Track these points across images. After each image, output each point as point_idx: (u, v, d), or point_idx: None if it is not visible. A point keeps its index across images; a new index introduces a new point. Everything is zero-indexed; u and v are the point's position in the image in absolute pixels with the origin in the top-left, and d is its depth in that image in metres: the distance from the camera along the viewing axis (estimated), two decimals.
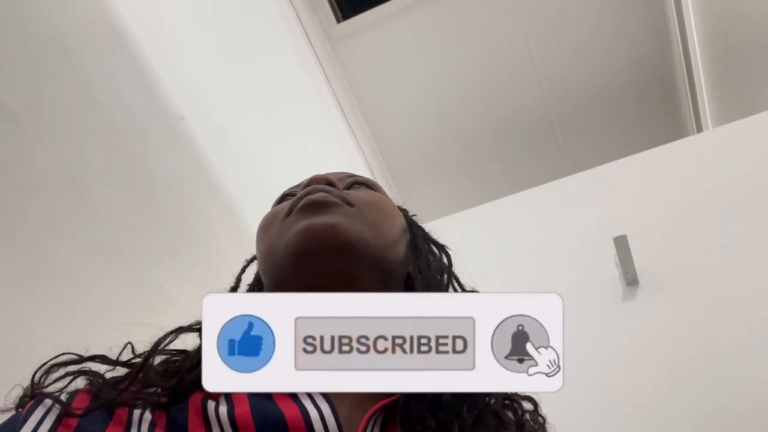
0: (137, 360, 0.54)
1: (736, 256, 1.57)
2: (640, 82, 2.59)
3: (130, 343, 0.55)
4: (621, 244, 1.59)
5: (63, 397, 0.48)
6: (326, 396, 0.48)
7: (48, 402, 0.47)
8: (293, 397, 0.49)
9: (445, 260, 0.69)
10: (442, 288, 0.65)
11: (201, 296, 0.64)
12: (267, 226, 0.61)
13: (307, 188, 0.59)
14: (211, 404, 0.48)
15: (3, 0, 1.07)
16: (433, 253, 0.69)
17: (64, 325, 0.97)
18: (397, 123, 2.79)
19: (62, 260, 1.07)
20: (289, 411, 0.47)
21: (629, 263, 1.60)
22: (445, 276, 0.67)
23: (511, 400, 0.60)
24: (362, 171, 2.74)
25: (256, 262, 0.69)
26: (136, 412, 0.47)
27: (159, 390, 0.49)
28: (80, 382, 0.51)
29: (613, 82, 2.59)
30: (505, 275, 1.88)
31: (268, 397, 0.49)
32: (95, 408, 0.46)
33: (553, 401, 1.51)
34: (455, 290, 0.66)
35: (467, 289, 0.67)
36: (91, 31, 1.30)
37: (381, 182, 2.81)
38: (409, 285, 0.62)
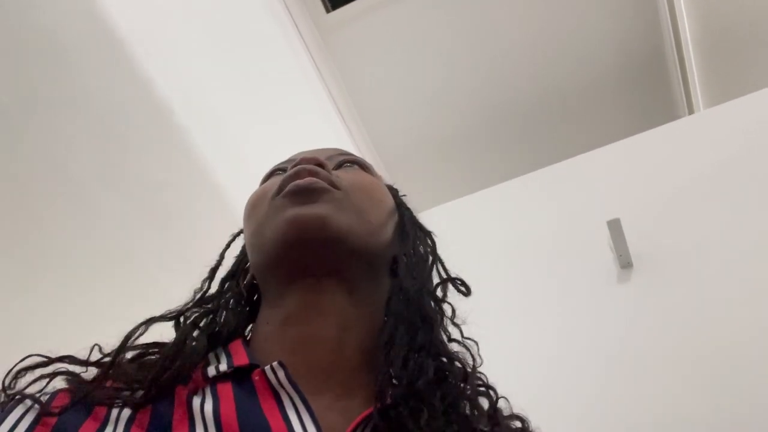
0: (108, 359, 0.53)
1: (730, 236, 1.57)
2: (630, 65, 2.58)
3: (97, 344, 0.54)
4: (615, 227, 1.60)
5: (44, 398, 0.48)
6: (312, 414, 0.47)
7: (28, 402, 0.47)
8: (278, 402, 0.48)
9: (429, 244, 0.69)
10: (426, 272, 0.64)
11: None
12: (256, 205, 0.61)
13: (297, 169, 0.58)
14: (196, 400, 0.48)
15: None
16: (420, 237, 0.69)
17: (62, 324, 0.97)
18: (389, 112, 2.78)
19: (58, 258, 1.07)
20: (276, 424, 0.46)
21: (623, 246, 1.60)
22: (431, 260, 0.67)
23: (486, 387, 0.61)
24: None
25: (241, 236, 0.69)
26: (115, 411, 0.46)
27: (136, 387, 0.48)
28: (61, 383, 0.51)
29: (604, 66, 2.59)
30: (499, 262, 1.89)
31: (253, 398, 0.48)
32: (70, 405, 0.46)
33: (548, 388, 1.53)
34: (440, 276, 0.66)
35: (452, 274, 0.67)
36: (82, 28, 1.29)
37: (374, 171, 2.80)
38: (394, 268, 0.62)
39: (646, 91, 2.63)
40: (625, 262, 1.62)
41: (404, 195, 0.73)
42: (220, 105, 1.76)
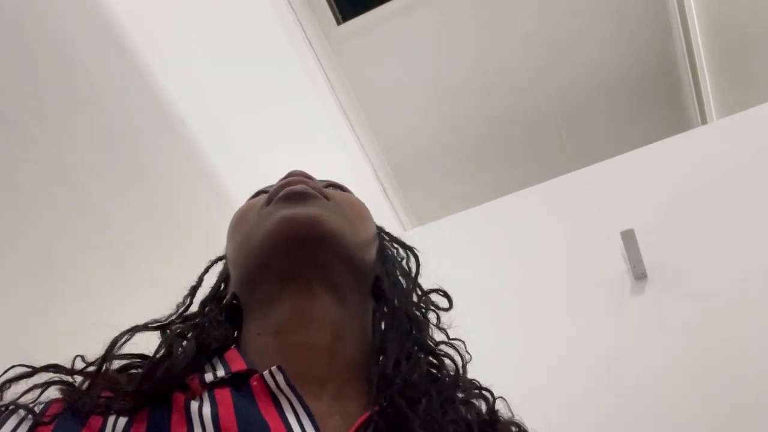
0: (93, 368, 0.53)
1: (745, 247, 1.55)
2: (643, 75, 2.57)
3: (80, 355, 0.54)
4: (628, 238, 1.58)
5: (38, 407, 0.48)
6: (311, 417, 0.47)
7: (22, 412, 0.47)
8: (277, 406, 0.48)
9: (413, 263, 0.71)
10: (409, 283, 0.67)
11: (202, 297, 0.64)
12: (242, 218, 0.61)
13: (287, 179, 0.59)
14: (194, 404, 0.47)
15: (2, 5, 1.07)
16: (398, 259, 0.70)
17: (66, 327, 0.97)
18: (400, 123, 2.79)
19: (64, 263, 1.07)
20: (275, 426, 0.46)
21: (637, 257, 1.59)
22: (414, 273, 0.69)
23: (481, 389, 0.61)
24: (366, 172, 2.74)
25: (220, 263, 0.70)
26: (110, 420, 0.46)
27: (129, 395, 0.48)
28: (55, 393, 0.50)
29: (616, 75, 2.58)
30: (512, 273, 1.87)
31: (251, 401, 0.49)
32: (63, 414, 0.46)
33: (562, 399, 1.51)
34: (418, 295, 0.68)
35: (425, 289, 0.69)
36: (92, 36, 1.30)
37: (385, 183, 2.81)
38: (377, 286, 0.64)
39: (659, 101, 2.61)
40: (639, 274, 1.60)
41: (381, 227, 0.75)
42: (230, 115, 1.76)
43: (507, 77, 2.64)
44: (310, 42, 2.51)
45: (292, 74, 2.35)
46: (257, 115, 1.93)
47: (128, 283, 1.15)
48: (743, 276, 1.49)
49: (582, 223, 1.89)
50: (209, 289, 0.66)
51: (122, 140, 1.30)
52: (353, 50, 2.63)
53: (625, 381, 1.42)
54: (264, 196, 0.61)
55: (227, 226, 0.66)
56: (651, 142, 2.09)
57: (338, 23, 2.60)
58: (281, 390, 0.49)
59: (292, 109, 2.23)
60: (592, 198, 1.99)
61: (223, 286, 0.66)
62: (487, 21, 2.53)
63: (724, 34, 2.43)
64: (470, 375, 0.64)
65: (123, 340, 0.55)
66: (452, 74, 2.66)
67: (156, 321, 0.60)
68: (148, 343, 0.57)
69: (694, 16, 2.39)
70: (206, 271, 0.69)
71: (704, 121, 2.57)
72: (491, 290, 1.81)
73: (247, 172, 1.67)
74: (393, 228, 2.83)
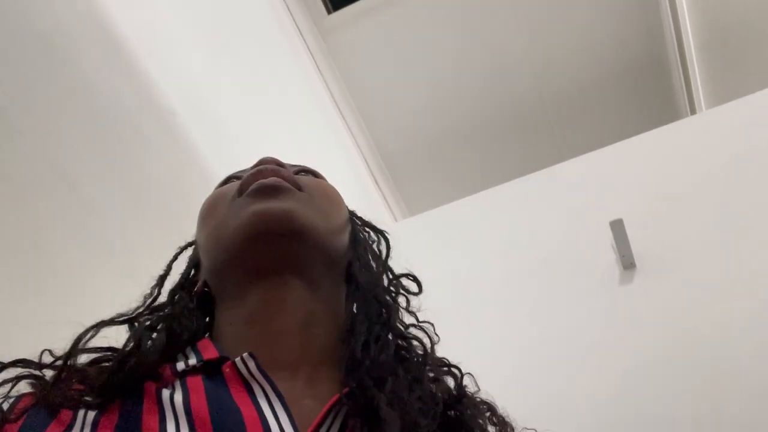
0: (60, 362, 0.52)
1: (733, 236, 1.57)
2: (632, 65, 2.58)
3: (47, 350, 0.54)
4: (617, 228, 1.59)
5: (8, 402, 0.48)
6: (283, 402, 0.48)
7: None
8: (249, 392, 0.48)
9: (384, 246, 0.71)
10: (379, 266, 0.67)
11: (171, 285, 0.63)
12: (213, 207, 0.60)
13: (258, 168, 0.59)
14: (165, 392, 0.47)
15: None
16: (370, 242, 0.71)
17: (60, 323, 0.96)
18: (390, 113, 2.78)
19: (56, 258, 1.06)
20: (247, 411, 0.46)
21: (626, 247, 1.60)
22: (384, 256, 0.69)
23: (449, 366, 0.62)
24: (357, 162, 2.74)
25: (190, 249, 0.69)
26: (81, 412, 0.46)
27: (99, 387, 0.48)
28: (26, 387, 0.50)
29: (606, 66, 2.58)
30: (502, 263, 1.88)
31: (223, 387, 0.48)
32: (31, 408, 0.46)
33: (551, 388, 1.52)
34: (389, 278, 0.68)
35: (397, 273, 0.69)
36: (82, 28, 1.29)
37: (376, 173, 2.81)
38: (350, 272, 0.64)
39: (648, 92, 2.62)
40: (627, 263, 1.61)
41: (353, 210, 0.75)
42: (220, 105, 1.75)
43: (498, 69, 2.64)
44: (300, 31, 2.50)
45: (283, 65, 2.34)
46: (248, 106, 1.93)
47: (120, 277, 1.14)
48: (731, 265, 1.51)
49: (571, 213, 1.91)
50: (179, 277, 0.66)
51: (113, 132, 1.30)
52: (344, 40, 2.62)
53: (614, 369, 1.43)
54: (235, 184, 0.60)
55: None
56: (640, 132, 2.10)
57: (329, 12, 2.58)
58: (253, 376, 0.49)
59: (283, 100, 2.22)
60: (582, 188, 2.00)
61: (193, 272, 0.66)
62: (479, 11, 2.53)
63: (714, 24, 2.44)
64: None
65: (89, 336, 0.55)
66: (444, 65, 2.65)
67: (122, 315, 0.60)
68: (118, 337, 0.57)
69: (684, 6, 2.40)
70: (175, 258, 0.68)
71: (693, 111, 2.58)
72: (481, 279, 1.82)
73: (238, 163, 1.66)
74: (384, 219, 2.83)
